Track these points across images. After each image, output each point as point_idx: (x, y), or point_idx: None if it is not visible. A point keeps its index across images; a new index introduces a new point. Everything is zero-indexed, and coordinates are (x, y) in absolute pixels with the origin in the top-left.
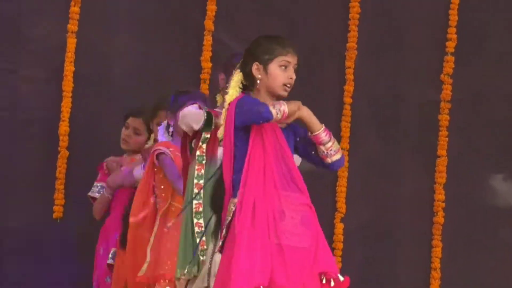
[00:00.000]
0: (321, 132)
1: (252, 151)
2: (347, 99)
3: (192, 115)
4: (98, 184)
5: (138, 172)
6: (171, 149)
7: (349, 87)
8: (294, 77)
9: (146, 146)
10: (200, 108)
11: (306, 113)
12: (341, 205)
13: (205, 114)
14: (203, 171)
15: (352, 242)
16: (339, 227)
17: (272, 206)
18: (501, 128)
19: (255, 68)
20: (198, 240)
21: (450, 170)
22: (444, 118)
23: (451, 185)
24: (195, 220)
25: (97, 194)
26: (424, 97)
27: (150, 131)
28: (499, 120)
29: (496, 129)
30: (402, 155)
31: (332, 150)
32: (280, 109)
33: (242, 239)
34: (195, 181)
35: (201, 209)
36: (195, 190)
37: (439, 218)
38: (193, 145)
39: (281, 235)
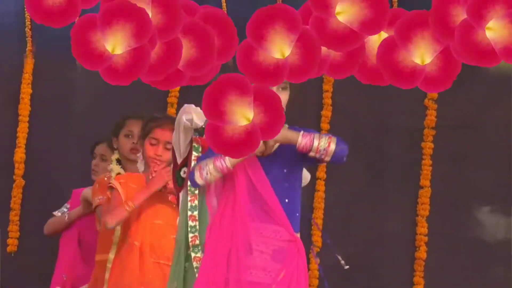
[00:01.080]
0: (301, 143)
1: (225, 188)
2: (325, 125)
3: (197, 111)
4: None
5: None
6: (122, 180)
7: (326, 112)
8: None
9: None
10: None
11: (279, 136)
12: (317, 238)
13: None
14: (196, 201)
15: (328, 278)
16: (314, 262)
17: (237, 241)
18: (489, 157)
19: None
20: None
21: (434, 202)
22: (427, 146)
23: (434, 218)
24: (193, 254)
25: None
26: (407, 123)
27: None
28: (487, 148)
29: (484, 158)
30: (382, 185)
31: (321, 149)
32: (209, 168)
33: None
34: (189, 213)
35: (197, 241)
36: (190, 223)
37: (421, 253)
38: (182, 174)
39: (245, 270)
